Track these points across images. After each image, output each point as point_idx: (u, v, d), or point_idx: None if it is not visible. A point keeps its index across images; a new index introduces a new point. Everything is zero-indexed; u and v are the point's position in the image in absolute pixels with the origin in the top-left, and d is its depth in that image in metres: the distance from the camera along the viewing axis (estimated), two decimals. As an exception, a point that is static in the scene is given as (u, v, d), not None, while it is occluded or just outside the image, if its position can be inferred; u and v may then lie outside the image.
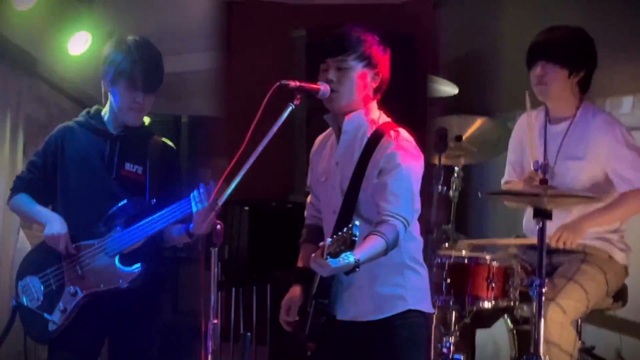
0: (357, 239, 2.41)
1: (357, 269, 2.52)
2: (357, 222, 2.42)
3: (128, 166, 3.23)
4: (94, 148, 3.24)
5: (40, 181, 3.27)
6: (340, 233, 2.43)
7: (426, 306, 2.83)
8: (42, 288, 3.20)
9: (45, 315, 3.17)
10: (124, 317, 3.19)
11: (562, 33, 3.46)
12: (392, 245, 2.62)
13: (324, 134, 2.97)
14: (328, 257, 2.44)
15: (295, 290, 2.86)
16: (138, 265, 3.13)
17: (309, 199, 3.04)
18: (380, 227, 2.64)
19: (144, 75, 3.18)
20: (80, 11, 4.29)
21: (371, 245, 2.59)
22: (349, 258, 2.47)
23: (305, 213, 3.04)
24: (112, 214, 3.17)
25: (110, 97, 3.26)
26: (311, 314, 2.80)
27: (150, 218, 3.12)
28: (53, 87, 4.94)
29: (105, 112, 3.30)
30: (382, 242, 2.60)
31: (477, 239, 3.73)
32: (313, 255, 2.50)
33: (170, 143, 3.35)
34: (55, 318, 3.16)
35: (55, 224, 3.17)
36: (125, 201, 3.17)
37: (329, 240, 2.46)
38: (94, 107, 3.34)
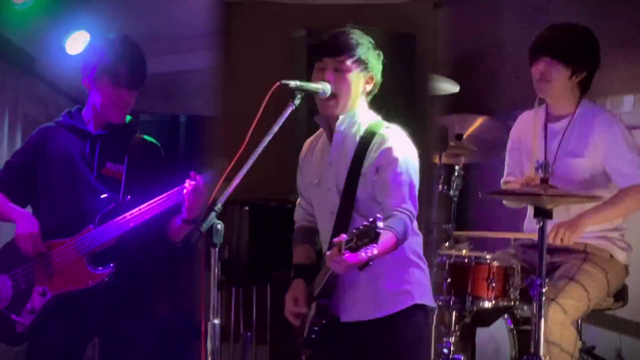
0: (381, 231, 2.40)
1: (371, 263, 2.49)
2: (379, 215, 2.41)
3: (109, 165, 3.17)
4: (74, 148, 3.17)
5: (16, 181, 3.20)
6: (360, 227, 2.42)
7: (429, 300, 2.84)
8: (11, 287, 3.11)
9: (13, 316, 3.07)
10: (111, 318, 3.13)
11: (570, 31, 3.44)
12: (402, 238, 2.62)
13: (312, 137, 2.98)
14: (347, 252, 2.43)
15: (299, 283, 2.85)
16: (110, 265, 3.06)
17: (298, 201, 3.04)
18: (388, 222, 2.61)
19: (128, 71, 3.11)
20: (78, 10, 4.28)
21: (382, 240, 2.55)
22: (373, 251, 2.43)
23: (295, 216, 3.04)
24: (86, 212, 3.09)
25: (91, 95, 3.19)
26: (312, 315, 2.79)
27: (123, 216, 3.06)
28: (51, 86, 4.93)
29: (86, 111, 3.23)
30: (392, 236, 2.59)
31: (477, 232, 3.73)
32: (329, 253, 2.50)
33: (153, 140, 3.29)
34: (22, 319, 3.07)
35: (25, 223, 3.09)
36: (100, 199, 3.10)
37: (344, 236, 2.45)
38: (75, 107, 3.28)
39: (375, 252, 2.44)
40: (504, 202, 3.69)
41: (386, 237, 2.57)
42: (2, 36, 4.43)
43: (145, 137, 3.30)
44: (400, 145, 2.74)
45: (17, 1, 4.06)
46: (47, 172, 3.16)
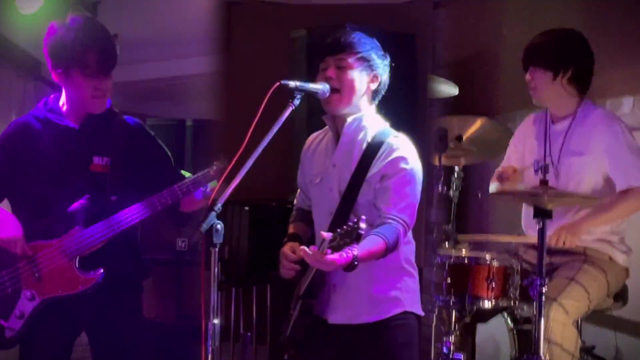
0: (363, 232, 2.40)
1: (356, 264, 2.51)
2: (363, 217, 2.42)
3: (97, 160, 3.04)
4: (57, 145, 3.00)
5: None
6: (344, 227, 2.42)
7: (418, 308, 2.85)
8: None
9: (1, 322, 2.95)
10: (102, 319, 3.03)
11: (547, 37, 3.48)
12: (392, 246, 2.63)
13: (316, 133, 2.98)
14: (329, 251, 2.44)
15: (293, 243, 2.82)
16: (100, 270, 2.95)
17: (298, 192, 3.04)
18: (380, 228, 2.64)
19: (98, 58, 2.92)
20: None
21: (371, 244, 2.59)
22: (353, 251, 2.46)
23: (295, 201, 3.05)
24: (72, 212, 2.95)
25: (65, 88, 3.02)
26: (295, 314, 2.78)
27: (111, 218, 2.95)
28: (57, 90, 4.96)
29: (63, 102, 3.06)
30: (381, 242, 2.60)
31: (476, 234, 3.73)
32: (312, 252, 2.50)
33: (137, 121, 3.14)
34: (11, 324, 2.94)
35: (8, 227, 2.93)
36: (85, 198, 2.96)
37: (329, 234, 2.46)
38: (52, 96, 3.10)
39: (356, 252, 2.46)
40: (491, 189, 3.67)
41: (375, 243, 2.60)
42: (9, 40, 4.47)
43: (127, 118, 3.14)
44: (408, 156, 2.74)
45: (25, 12, 4.11)
46: (28, 172, 3.01)
